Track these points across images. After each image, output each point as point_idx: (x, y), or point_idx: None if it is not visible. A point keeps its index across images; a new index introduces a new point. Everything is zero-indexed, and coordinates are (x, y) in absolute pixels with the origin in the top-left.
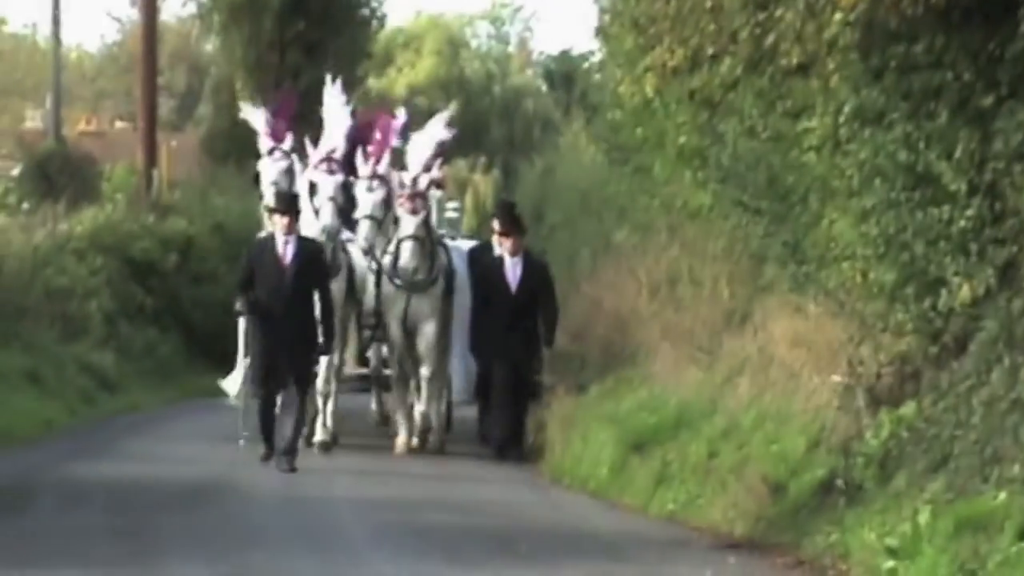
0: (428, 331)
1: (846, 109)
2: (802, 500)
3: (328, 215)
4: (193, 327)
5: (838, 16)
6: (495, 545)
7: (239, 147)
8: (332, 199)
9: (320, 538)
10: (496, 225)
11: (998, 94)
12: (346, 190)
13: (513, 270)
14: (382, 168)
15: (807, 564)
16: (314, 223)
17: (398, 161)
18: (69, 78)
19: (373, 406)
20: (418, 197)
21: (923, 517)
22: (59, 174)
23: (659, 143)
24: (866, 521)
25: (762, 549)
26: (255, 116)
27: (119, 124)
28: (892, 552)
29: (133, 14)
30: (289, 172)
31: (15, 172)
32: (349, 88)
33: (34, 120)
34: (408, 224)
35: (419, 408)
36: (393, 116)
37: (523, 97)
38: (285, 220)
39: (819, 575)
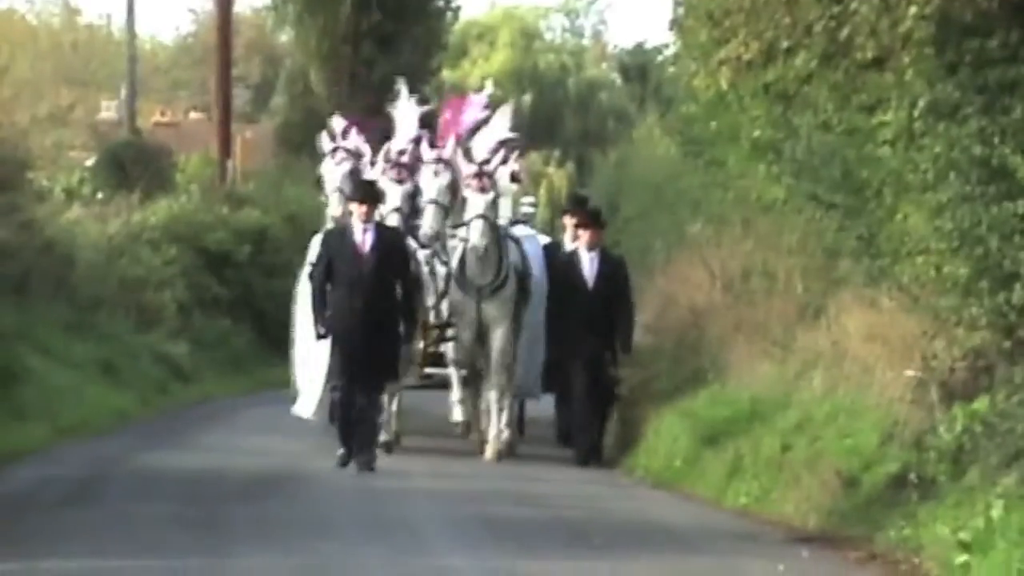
0: (498, 337)
1: (921, 103)
2: (875, 494)
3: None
4: (266, 318)
5: (913, 10)
6: (569, 537)
7: (313, 138)
8: (398, 210)
9: (392, 530)
10: (570, 218)
11: None
12: (412, 199)
13: (590, 264)
14: (447, 153)
15: (880, 558)
16: None
17: (467, 154)
18: (143, 69)
19: (457, 415)
20: (485, 176)
21: (996, 511)
22: (133, 165)
23: (733, 136)
24: (939, 515)
25: (835, 543)
26: (336, 122)
27: (193, 115)
28: (965, 546)
29: (208, 5)
30: (354, 174)
31: (90, 163)
32: (422, 80)
33: (109, 111)
34: (477, 203)
35: (492, 414)
36: (464, 99)
37: (597, 90)
38: (363, 208)
39: (892, 569)
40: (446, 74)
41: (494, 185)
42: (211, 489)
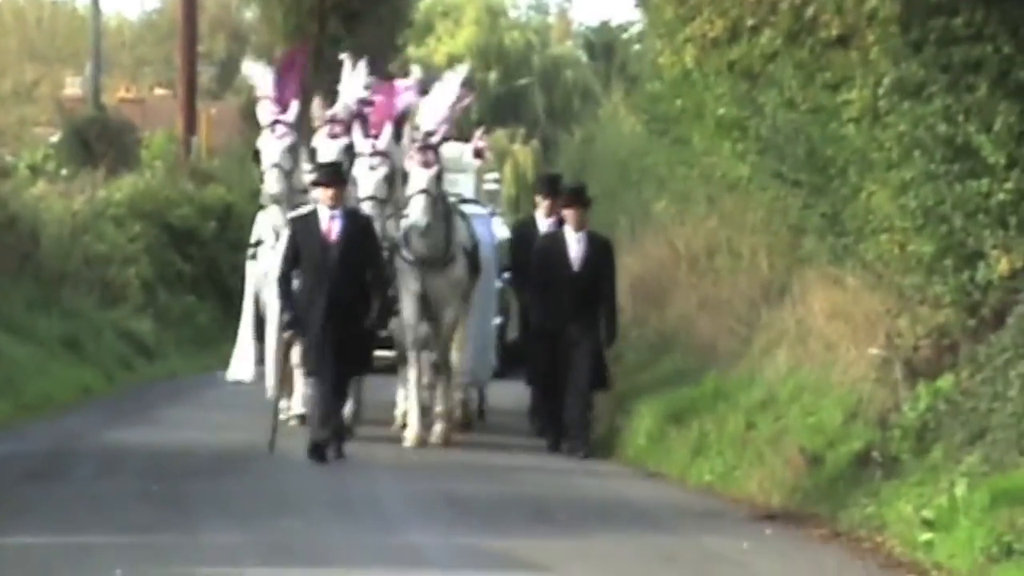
0: (448, 316)
1: (886, 81)
2: (839, 472)
3: None
4: (231, 294)
5: None
6: (533, 514)
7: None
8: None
9: (355, 506)
10: (543, 198)
11: None
12: (350, 154)
13: (577, 246)
14: (382, 144)
15: (843, 536)
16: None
17: (414, 129)
18: (109, 45)
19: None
20: (430, 150)
21: (960, 490)
22: (98, 141)
23: (698, 114)
24: (903, 493)
25: (798, 520)
26: (259, 75)
27: (159, 91)
28: (928, 524)
29: None
30: (293, 150)
31: (54, 139)
32: (388, 57)
33: (73, 87)
34: (420, 178)
35: (411, 396)
36: (392, 86)
37: (563, 67)
38: (331, 192)
39: (855, 547)
40: (412, 51)
41: (438, 159)
42: (175, 465)
